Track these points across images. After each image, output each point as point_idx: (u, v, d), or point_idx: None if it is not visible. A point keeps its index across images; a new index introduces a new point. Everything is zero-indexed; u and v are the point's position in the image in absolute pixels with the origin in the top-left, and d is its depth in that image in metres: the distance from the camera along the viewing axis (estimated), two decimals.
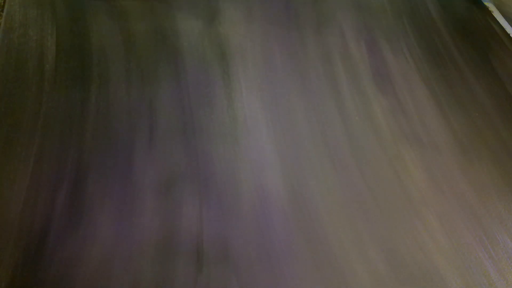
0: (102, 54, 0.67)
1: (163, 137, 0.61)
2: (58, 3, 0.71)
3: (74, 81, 0.63)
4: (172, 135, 0.62)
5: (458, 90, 0.77)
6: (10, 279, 0.47)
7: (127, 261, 0.51)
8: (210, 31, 0.74)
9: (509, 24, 0.92)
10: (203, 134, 0.63)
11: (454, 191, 0.65)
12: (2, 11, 0.67)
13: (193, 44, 0.71)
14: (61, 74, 0.63)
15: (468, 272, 0.57)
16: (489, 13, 0.93)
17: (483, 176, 0.67)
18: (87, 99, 0.62)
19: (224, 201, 0.57)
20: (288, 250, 0.55)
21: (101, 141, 0.59)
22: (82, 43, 0.67)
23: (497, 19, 0.92)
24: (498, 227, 0.62)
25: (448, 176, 0.66)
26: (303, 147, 0.65)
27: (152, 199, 0.56)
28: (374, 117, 0.70)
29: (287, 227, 0.57)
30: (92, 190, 0.55)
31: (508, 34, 0.89)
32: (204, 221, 0.55)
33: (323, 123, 0.68)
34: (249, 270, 0.53)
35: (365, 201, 0.61)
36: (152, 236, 0.53)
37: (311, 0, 0.84)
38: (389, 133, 0.69)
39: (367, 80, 0.74)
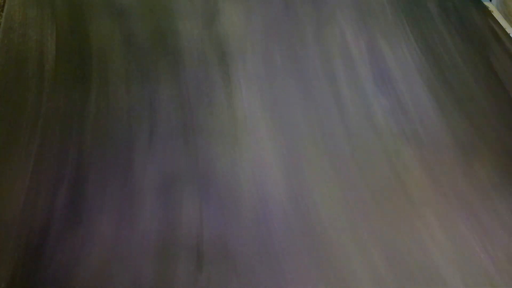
0: (102, 54, 0.67)
1: (163, 137, 0.61)
2: (58, 3, 0.71)
3: (74, 81, 0.63)
4: (172, 135, 0.62)
5: (457, 90, 0.77)
6: (10, 279, 0.47)
7: (127, 261, 0.51)
8: (210, 31, 0.74)
9: (509, 24, 0.92)
10: (203, 134, 0.63)
11: (454, 191, 0.65)
12: (2, 11, 0.67)
13: (193, 44, 0.71)
14: (61, 74, 0.63)
15: (468, 272, 0.57)
16: (489, 13, 0.93)
17: (483, 176, 0.67)
18: (87, 99, 0.62)
19: (224, 201, 0.57)
20: (288, 250, 0.55)
21: (101, 141, 0.59)
22: (82, 43, 0.67)
23: (497, 19, 0.92)
24: (498, 227, 0.62)
25: (448, 176, 0.66)
26: (303, 147, 0.65)
27: (152, 199, 0.56)
28: (374, 117, 0.70)
29: (287, 227, 0.57)
30: (92, 190, 0.55)
31: (508, 34, 0.89)
32: (204, 221, 0.55)
33: (323, 123, 0.68)
34: (249, 270, 0.53)
35: (365, 201, 0.61)
36: (152, 236, 0.53)
37: (311, 0, 0.83)
38: (389, 133, 0.69)
39: (367, 80, 0.74)
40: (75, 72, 0.64)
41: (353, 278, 0.55)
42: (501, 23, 0.91)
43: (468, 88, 0.78)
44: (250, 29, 0.76)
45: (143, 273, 0.50)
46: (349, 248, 0.57)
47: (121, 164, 0.58)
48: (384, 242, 0.58)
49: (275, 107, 0.68)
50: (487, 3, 0.96)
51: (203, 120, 0.64)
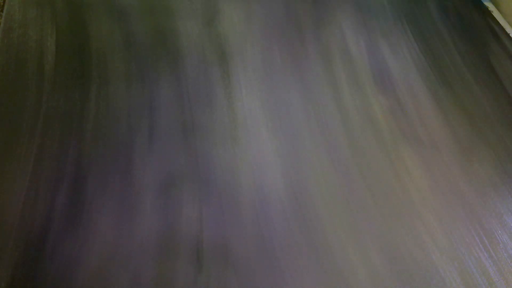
0: (102, 54, 0.67)
1: (163, 137, 0.61)
2: (58, 3, 0.71)
3: (74, 81, 0.63)
4: (172, 135, 0.62)
5: (457, 89, 0.77)
6: (10, 279, 0.47)
7: (127, 261, 0.51)
8: (210, 31, 0.74)
9: (509, 24, 0.92)
10: (203, 134, 0.63)
11: (454, 191, 0.65)
12: (2, 11, 0.67)
13: (193, 44, 0.71)
14: (61, 74, 0.63)
15: (468, 272, 0.58)
16: (489, 13, 0.93)
17: (483, 176, 0.67)
18: (87, 99, 0.62)
19: (224, 201, 0.57)
20: (288, 250, 0.55)
21: (101, 141, 0.59)
22: (82, 43, 0.67)
23: (497, 19, 0.92)
24: (498, 227, 0.62)
25: (448, 176, 0.66)
26: (303, 147, 0.65)
27: (152, 199, 0.56)
28: (374, 117, 0.70)
29: (287, 227, 0.57)
30: (92, 190, 0.55)
31: (508, 34, 0.89)
32: (204, 221, 0.55)
33: (323, 123, 0.68)
34: (249, 270, 0.53)
35: (365, 201, 0.61)
36: (152, 236, 0.53)
37: (311, 0, 0.83)
38: (389, 133, 0.69)
39: (367, 80, 0.74)
40: (75, 72, 0.64)
41: (353, 278, 0.55)
42: (501, 23, 0.91)
43: (468, 88, 0.78)
44: (250, 29, 0.76)
45: (143, 273, 0.50)
46: (349, 248, 0.57)
47: (121, 164, 0.58)
48: (384, 242, 0.58)
49: (275, 107, 0.68)
50: (487, 3, 0.96)
51: (203, 120, 0.64)
